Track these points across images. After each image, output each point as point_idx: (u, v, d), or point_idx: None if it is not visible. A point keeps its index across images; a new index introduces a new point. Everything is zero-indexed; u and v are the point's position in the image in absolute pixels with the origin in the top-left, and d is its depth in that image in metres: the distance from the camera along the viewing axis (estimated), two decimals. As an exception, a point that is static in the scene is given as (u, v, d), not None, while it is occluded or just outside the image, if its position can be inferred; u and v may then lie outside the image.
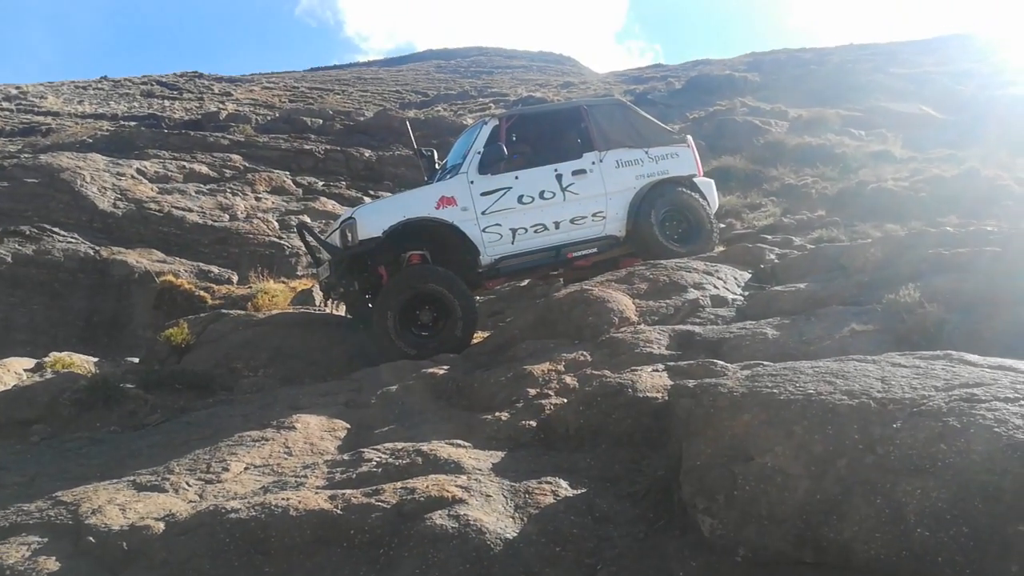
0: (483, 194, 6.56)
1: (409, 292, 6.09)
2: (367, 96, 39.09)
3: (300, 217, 15.75)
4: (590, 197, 6.95)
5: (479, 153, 6.64)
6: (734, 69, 35.28)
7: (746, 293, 5.39)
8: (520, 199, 6.67)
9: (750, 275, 5.85)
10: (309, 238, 7.15)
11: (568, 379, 4.20)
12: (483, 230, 6.51)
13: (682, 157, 7.55)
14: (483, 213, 6.53)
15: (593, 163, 7.03)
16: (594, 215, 6.94)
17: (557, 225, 6.77)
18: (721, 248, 7.30)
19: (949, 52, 35.59)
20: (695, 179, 7.56)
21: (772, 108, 23.92)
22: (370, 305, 6.85)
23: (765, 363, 3.56)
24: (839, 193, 13.67)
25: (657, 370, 3.86)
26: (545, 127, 7.64)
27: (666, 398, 3.42)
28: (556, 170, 6.89)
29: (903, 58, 33.29)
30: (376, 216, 6.43)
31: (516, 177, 6.72)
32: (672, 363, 3.95)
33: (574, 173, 6.92)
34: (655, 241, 6.95)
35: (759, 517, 2.42)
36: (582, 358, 4.47)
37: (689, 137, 7.98)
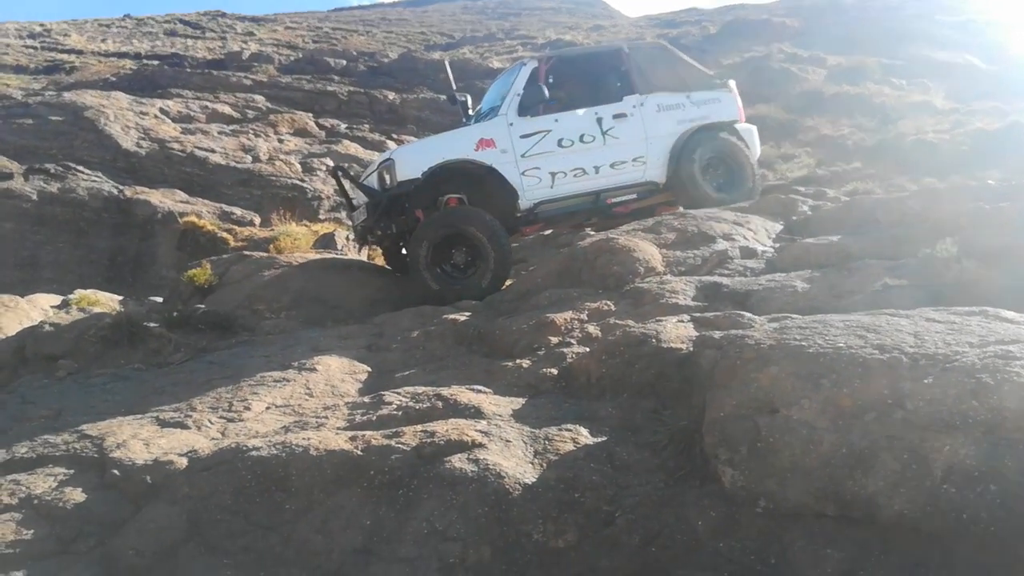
0: (522, 136, 6.48)
1: (450, 229, 6.05)
2: (391, 37, 38.48)
3: (323, 160, 15.68)
4: (631, 141, 6.83)
5: (518, 95, 6.54)
6: (772, 14, 34.07)
7: (777, 245, 5.26)
8: (560, 142, 6.58)
9: (781, 227, 5.71)
10: (345, 181, 7.10)
11: (591, 328, 4.15)
12: (522, 173, 6.43)
13: (724, 102, 7.38)
14: (522, 156, 6.45)
15: (634, 107, 6.90)
16: (634, 160, 6.82)
17: (597, 169, 6.67)
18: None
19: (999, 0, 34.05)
20: (737, 125, 7.39)
21: (810, 55, 23.14)
22: (404, 252, 6.83)
23: (794, 316, 3.48)
24: (877, 145, 13.29)
25: (682, 321, 3.80)
26: (585, 69, 7.48)
27: (691, 349, 3.37)
28: (596, 113, 6.77)
29: (950, 5, 31.89)
30: (415, 157, 6.37)
31: (556, 120, 6.62)
32: (698, 314, 3.88)
33: (615, 116, 6.79)
34: (697, 188, 6.82)
35: (782, 469, 2.39)
36: (606, 307, 4.42)
37: (731, 82, 7.76)
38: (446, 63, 10.18)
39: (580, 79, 7.32)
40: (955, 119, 15.07)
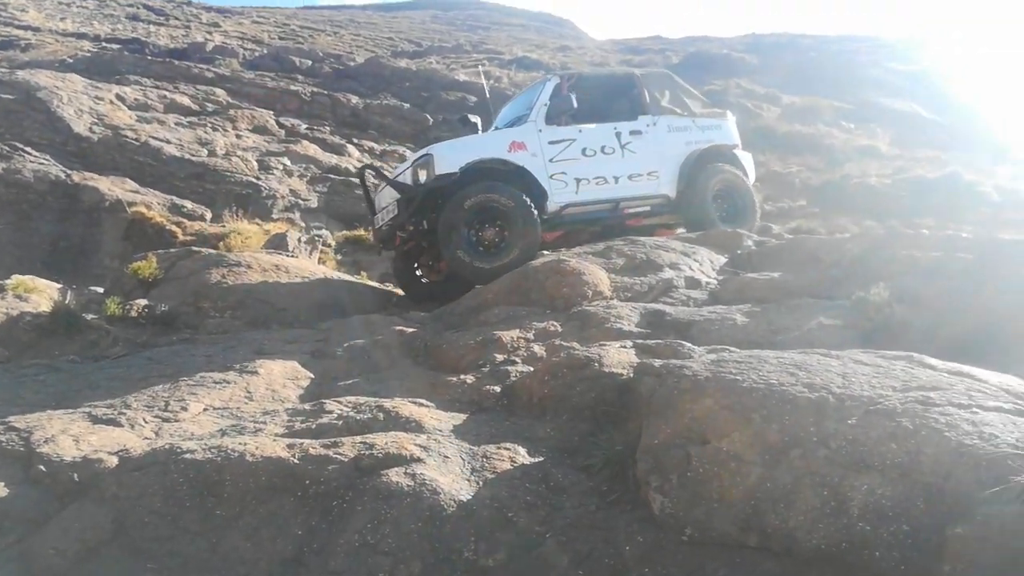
0: (550, 143, 6.91)
1: (482, 197, 6.36)
2: (359, 40, 38.28)
3: (280, 159, 15.49)
4: (646, 156, 7.33)
5: (546, 105, 7.01)
6: (732, 49, 35.03)
7: (720, 277, 5.41)
8: (584, 151, 7.04)
9: (726, 259, 5.88)
10: (373, 180, 7.24)
11: (536, 348, 4.21)
12: (550, 176, 6.84)
13: (724, 128, 8.05)
14: (551, 160, 6.87)
15: (647, 125, 7.46)
16: (649, 173, 7.32)
17: (616, 179, 7.14)
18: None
19: (947, 51, 35.62)
20: (736, 151, 8.03)
21: (766, 92, 23.87)
22: (418, 273, 7.33)
23: (731, 349, 3.59)
24: (823, 185, 13.77)
25: (625, 346, 3.88)
26: (601, 89, 7.94)
27: (631, 375, 3.44)
28: (616, 128, 7.30)
29: (904, 55, 33.24)
30: (453, 153, 6.68)
31: (579, 131, 7.08)
32: (641, 341, 3.97)
33: (631, 132, 7.32)
34: (707, 216, 7.32)
35: (709, 499, 2.46)
36: (552, 328, 4.48)
37: (728, 112, 8.53)
38: (480, 71, 10.53)
39: (597, 97, 7.71)
40: (898, 165, 15.72)
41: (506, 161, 6.69)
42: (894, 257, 4.76)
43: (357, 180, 10.47)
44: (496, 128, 7.93)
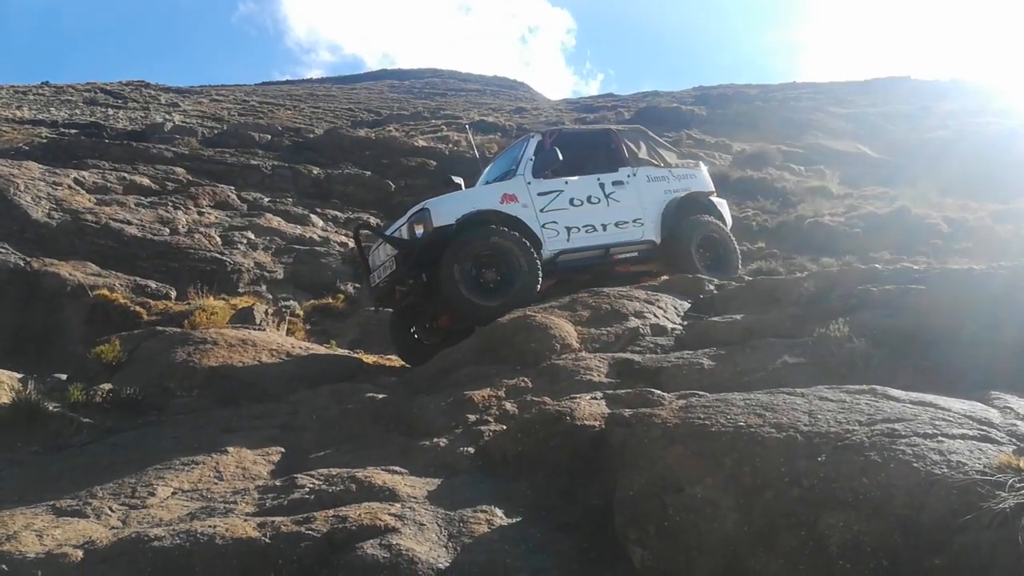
0: (540, 194, 7.18)
1: (487, 241, 6.58)
2: (319, 112, 38.78)
3: (244, 233, 15.45)
4: (630, 204, 7.65)
5: (531, 159, 7.31)
6: (682, 102, 36.22)
7: (685, 323, 5.48)
8: (571, 201, 7.33)
9: (689, 305, 5.97)
10: (365, 242, 7.40)
11: (508, 405, 4.20)
12: (543, 226, 7.09)
13: (698, 177, 8.45)
14: (541, 211, 7.13)
15: (628, 176, 7.81)
16: (635, 221, 7.63)
17: (604, 227, 7.43)
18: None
19: (885, 94, 37.23)
20: (712, 198, 8.40)
21: (716, 141, 24.61)
22: (414, 334, 7.44)
23: (700, 393, 3.63)
24: (778, 226, 14.11)
25: (596, 398, 3.89)
26: (581, 144, 8.23)
27: (603, 427, 3.45)
28: (599, 179, 7.63)
29: (842, 98, 34.66)
30: (449, 206, 6.86)
31: (566, 182, 7.35)
32: (611, 391, 3.99)
33: (614, 183, 7.66)
34: (692, 266, 7.56)
35: (688, 548, 2.45)
36: (523, 384, 4.48)
37: (700, 162, 9.01)
38: (467, 128, 10.88)
39: (577, 152, 7.95)
40: (849, 203, 16.22)
41: (500, 212, 6.90)
42: (850, 292, 4.88)
43: (337, 244, 10.56)
44: (486, 183, 8.15)
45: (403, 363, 7.58)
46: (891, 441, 2.54)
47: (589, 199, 7.42)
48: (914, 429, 2.62)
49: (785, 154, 22.59)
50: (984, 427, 2.68)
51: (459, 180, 8.40)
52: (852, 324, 4.18)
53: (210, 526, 2.86)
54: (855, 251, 10.97)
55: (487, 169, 8.84)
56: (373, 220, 16.51)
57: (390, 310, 7.98)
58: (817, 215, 14.38)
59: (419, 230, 6.64)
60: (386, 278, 7.04)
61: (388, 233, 7.40)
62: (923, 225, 13.63)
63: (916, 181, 18.64)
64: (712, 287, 6.35)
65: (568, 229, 7.20)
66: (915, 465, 2.39)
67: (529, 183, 7.17)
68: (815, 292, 5.17)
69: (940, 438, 2.56)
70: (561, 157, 7.16)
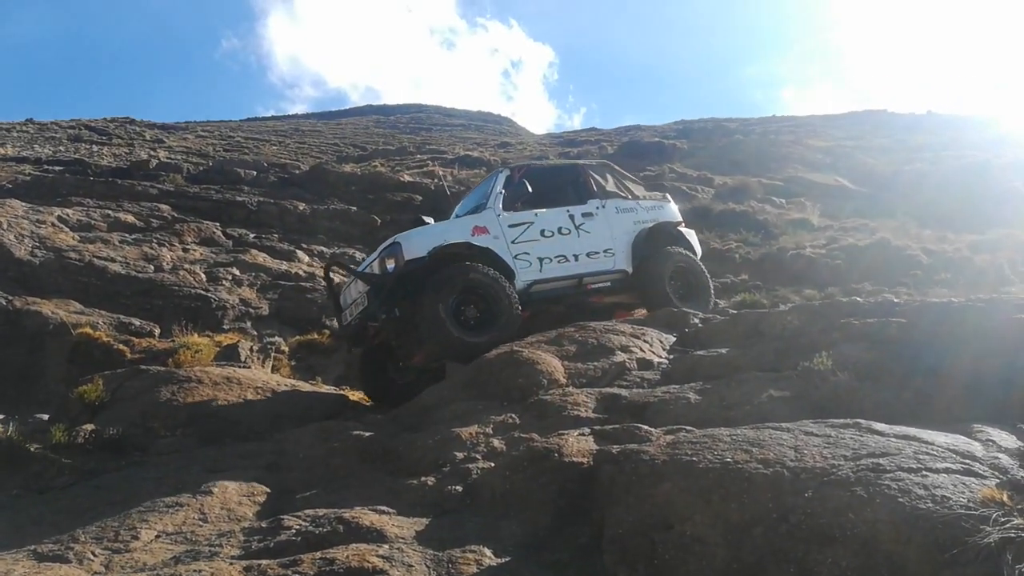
0: (511, 226, 7.23)
1: (466, 277, 6.55)
2: (304, 148, 38.94)
3: (230, 269, 15.40)
4: (600, 235, 7.74)
5: (501, 192, 7.36)
6: (664, 136, 36.76)
7: (671, 357, 5.51)
8: (542, 232, 7.39)
9: (675, 338, 6.00)
10: (335, 277, 7.36)
11: (496, 442, 4.19)
12: (515, 257, 7.12)
13: (666, 208, 8.59)
14: (512, 242, 7.17)
15: (597, 208, 7.91)
16: (605, 251, 7.71)
17: (576, 257, 7.49)
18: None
19: (862, 127, 37.99)
20: (680, 228, 8.51)
21: (698, 175, 24.94)
22: (386, 372, 7.36)
23: (687, 428, 3.65)
24: (761, 258, 14.27)
25: (584, 434, 3.90)
26: (549, 179, 8.33)
27: (592, 464, 3.45)
28: (568, 211, 7.71)
29: (820, 131, 35.33)
30: (420, 239, 6.87)
31: (536, 214, 7.43)
32: (598, 427, 4.00)
33: (583, 215, 7.75)
34: (663, 294, 7.66)
35: (678, 586, 2.45)
36: (510, 421, 4.48)
37: (667, 194, 9.12)
38: (437, 170, 10.98)
39: (546, 186, 8.04)
40: (830, 235, 16.44)
41: (471, 244, 6.92)
42: (833, 326, 4.94)
43: (322, 279, 10.59)
44: (456, 217, 8.19)
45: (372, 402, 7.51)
46: (876, 476, 2.57)
47: (560, 230, 7.50)
48: (899, 463, 2.65)
49: (766, 187, 22.92)
50: (967, 461, 2.71)
51: (429, 219, 8.39)
52: (835, 357, 4.23)
53: (195, 570, 2.82)
54: (837, 282, 11.10)
55: (459, 204, 8.89)
56: (359, 255, 16.52)
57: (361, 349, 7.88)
58: (799, 247, 14.58)
59: (391, 264, 6.61)
60: (358, 315, 6.99)
61: (360, 270, 7.36)
62: (903, 256, 13.85)
63: (894, 212, 18.98)
64: (697, 320, 6.40)
65: (540, 260, 7.25)
66: (900, 500, 2.41)
67: (499, 215, 7.23)
68: (798, 326, 5.23)
69: (924, 472, 2.59)
70: (531, 190, 7.28)
